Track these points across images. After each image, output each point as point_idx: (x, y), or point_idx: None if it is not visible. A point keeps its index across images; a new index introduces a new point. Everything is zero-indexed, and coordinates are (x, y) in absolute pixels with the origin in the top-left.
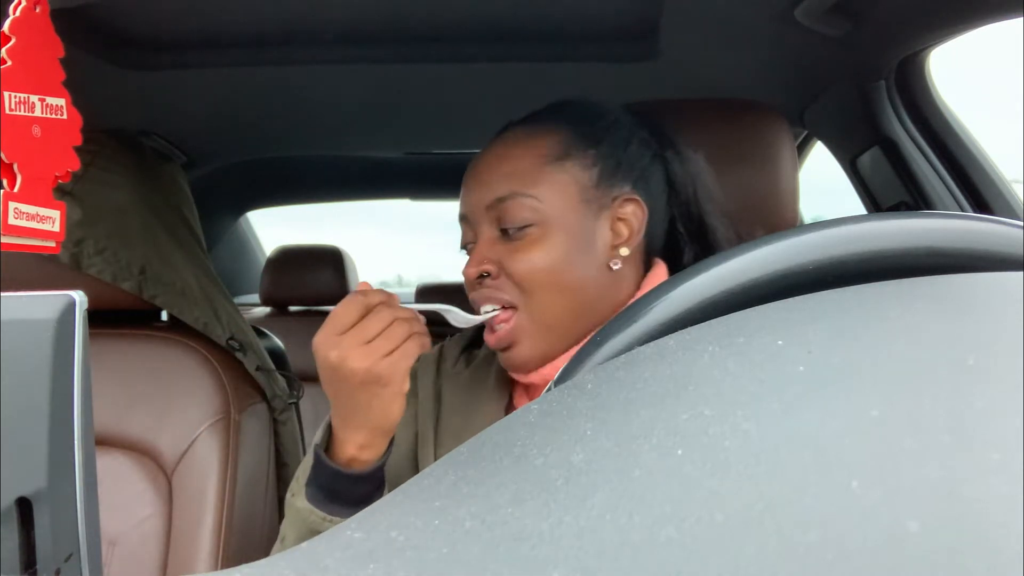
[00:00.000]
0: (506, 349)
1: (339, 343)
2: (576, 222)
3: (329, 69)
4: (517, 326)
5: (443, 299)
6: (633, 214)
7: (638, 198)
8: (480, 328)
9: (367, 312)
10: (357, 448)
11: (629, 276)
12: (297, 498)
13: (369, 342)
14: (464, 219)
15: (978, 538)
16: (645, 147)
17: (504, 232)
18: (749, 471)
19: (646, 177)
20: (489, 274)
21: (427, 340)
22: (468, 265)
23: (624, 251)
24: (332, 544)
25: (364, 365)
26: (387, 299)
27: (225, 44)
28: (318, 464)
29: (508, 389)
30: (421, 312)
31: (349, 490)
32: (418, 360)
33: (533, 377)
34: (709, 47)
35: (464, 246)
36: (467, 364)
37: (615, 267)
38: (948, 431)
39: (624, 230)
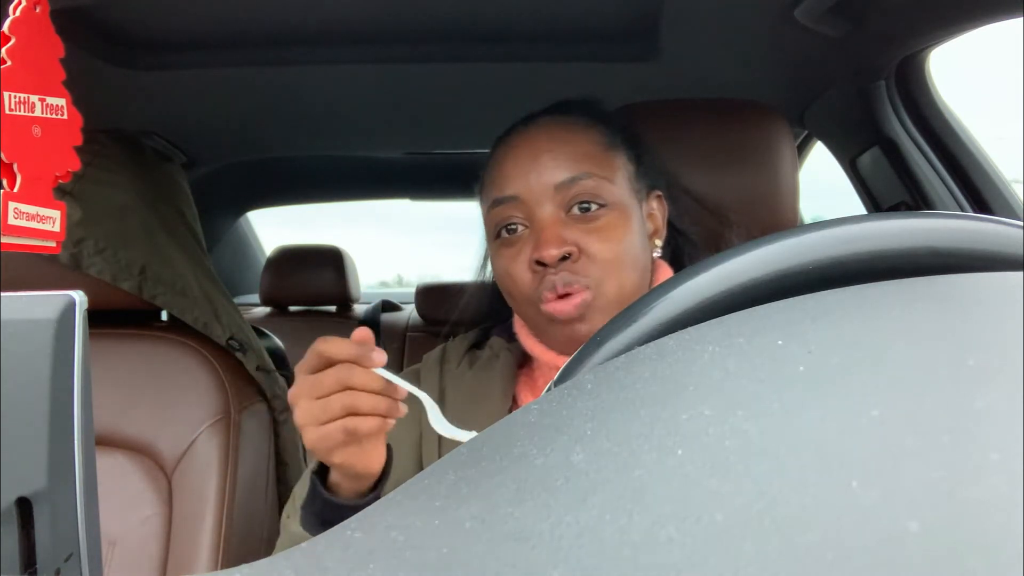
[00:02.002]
0: (576, 321)
1: (300, 384)
2: (633, 207)
3: (329, 69)
4: (589, 302)
5: (443, 298)
6: (658, 209)
7: (661, 194)
8: (484, 330)
9: (325, 365)
10: (339, 478)
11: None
12: (292, 521)
13: (318, 398)
14: (514, 200)
15: (978, 538)
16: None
17: (573, 213)
18: (749, 471)
19: (656, 175)
20: (570, 255)
21: (375, 424)
22: (546, 247)
23: (658, 242)
24: (332, 544)
25: (299, 423)
26: (355, 358)
27: (225, 44)
28: (313, 490)
29: (512, 390)
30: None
31: (341, 520)
32: (422, 361)
33: None
34: (709, 47)
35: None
36: (471, 365)
37: (656, 255)
38: (948, 431)
39: (650, 225)
